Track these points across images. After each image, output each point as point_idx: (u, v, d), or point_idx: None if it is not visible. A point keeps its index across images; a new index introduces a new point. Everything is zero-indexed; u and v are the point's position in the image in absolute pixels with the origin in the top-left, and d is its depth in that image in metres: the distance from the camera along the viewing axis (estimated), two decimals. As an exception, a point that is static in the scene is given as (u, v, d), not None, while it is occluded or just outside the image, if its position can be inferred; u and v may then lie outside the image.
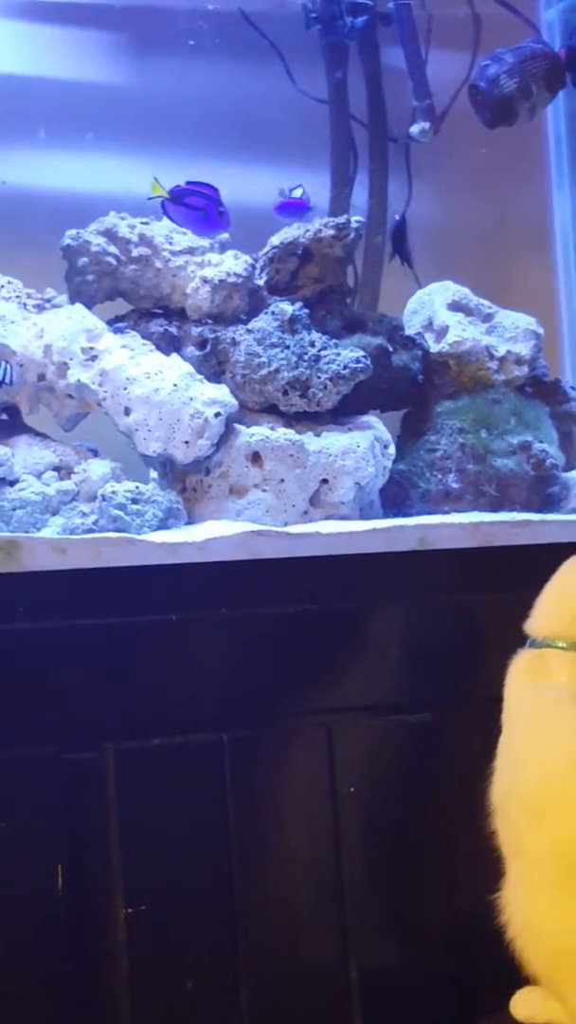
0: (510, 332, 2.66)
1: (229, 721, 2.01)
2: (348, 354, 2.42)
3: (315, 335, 2.45)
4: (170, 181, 2.56)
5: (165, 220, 2.56)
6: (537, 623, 1.85)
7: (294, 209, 2.48)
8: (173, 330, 2.48)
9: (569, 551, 2.23)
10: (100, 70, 2.93)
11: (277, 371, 2.39)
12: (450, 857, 1.98)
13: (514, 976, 1.77)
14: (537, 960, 1.72)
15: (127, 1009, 1.92)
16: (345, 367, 2.40)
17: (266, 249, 2.57)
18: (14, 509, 2.21)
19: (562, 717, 1.76)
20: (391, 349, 2.55)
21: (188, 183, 2.48)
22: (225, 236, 2.58)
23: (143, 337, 2.42)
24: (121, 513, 2.18)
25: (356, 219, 2.59)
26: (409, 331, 2.65)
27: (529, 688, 1.81)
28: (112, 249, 2.48)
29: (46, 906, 1.91)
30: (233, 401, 2.35)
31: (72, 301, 2.47)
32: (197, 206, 2.47)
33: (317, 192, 2.92)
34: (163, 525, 2.22)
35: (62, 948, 1.91)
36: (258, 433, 2.35)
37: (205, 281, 2.49)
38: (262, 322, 2.46)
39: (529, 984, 1.78)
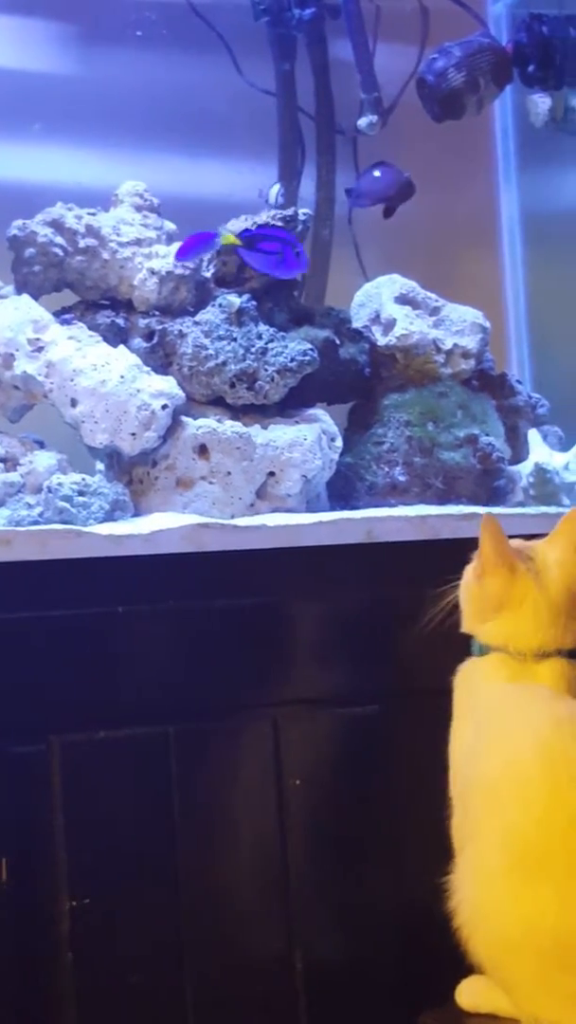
0: (457, 326, 2.67)
1: (175, 714, 2.01)
2: (295, 347, 2.42)
3: (262, 328, 2.44)
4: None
5: (113, 211, 2.55)
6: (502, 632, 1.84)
7: (199, 245, 2.44)
8: (120, 322, 2.48)
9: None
10: (48, 60, 2.91)
11: (224, 363, 2.39)
12: (396, 848, 1.99)
13: (460, 967, 1.77)
14: (483, 949, 1.72)
15: (72, 1002, 1.91)
16: (292, 360, 2.40)
17: (214, 241, 2.56)
18: (-41, 501, 2.20)
19: (533, 712, 1.76)
20: (338, 342, 2.55)
21: (258, 227, 2.47)
22: (172, 227, 2.57)
23: (90, 328, 2.42)
24: (67, 505, 2.17)
25: (304, 212, 2.59)
26: (356, 324, 2.65)
27: (498, 687, 1.81)
28: (59, 240, 2.47)
29: (-9, 899, 1.91)
30: (180, 393, 2.35)
31: (18, 292, 2.46)
32: (272, 250, 2.45)
33: (265, 184, 2.92)
34: (109, 517, 2.22)
35: (6, 940, 1.91)
36: (205, 425, 2.35)
37: (152, 273, 2.49)
38: (209, 314, 2.46)
39: (475, 974, 1.78)
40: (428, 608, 1.87)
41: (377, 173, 2.74)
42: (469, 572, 1.87)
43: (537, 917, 1.65)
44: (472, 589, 1.86)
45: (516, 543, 1.86)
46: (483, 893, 1.70)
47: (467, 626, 1.86)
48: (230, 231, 2.43)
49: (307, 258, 2.50)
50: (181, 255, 2.45)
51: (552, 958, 1.65)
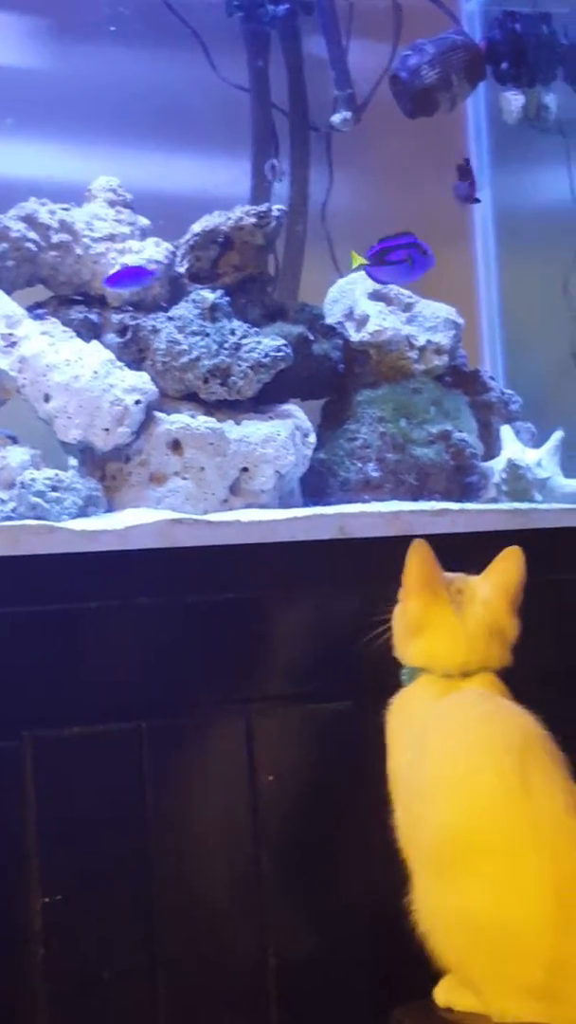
0: (430, 322, 2.67)
1: (148, 710, 2.01)
2: (269, 342, 2.42)
3: (236, 323, 2.44)
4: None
5: (86, 206, 2.54)
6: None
7: (131, 279, 2.45)
8: (93, 317, 2.47)
9: (487, 540, 2.24)
10: (21, 55, 2.91)
11: (198, 359, 2.39)
12: (370, 845, 1.98)
13: (432, 962, 1.78)
14: (441, 949, 1.74)
15: (43, 999, 1.91)
16: (266, 355, 2.40)
17: (187, 236, 2.56)
18: None
19: (463, 713, 1.82)
20: (312, 338, 2.56)
21: (381, 241, 2.48)
22: (146, 222, 2.57)
23: (63, 324, 2.41)
24: (40, 500, 2.17)
25: (277, 207, 2.59)
26: (330, 320, 2.65)
27: (430, 704, 1.84)
28: (32, 235, 2.46)
29: (-37, 895, 1.90)
30: (153, 389, 2.35)
31: (-9, 287, 2.46)
32: (400, 258, 2.46)
33: (239, 180, 2.92)
34: (82, 513, 2.22)
35: (-22, 938, 1.90)
36: (178, 421, 2.35)
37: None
38: (183, 310, 2.45)
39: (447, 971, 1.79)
40: (374, 626, 1.91)
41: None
42: (400, 595, 1.91)
43: (478, 909, 1.67)
44: (398, 611, 1.91)
45: (454, 576, 1.90)
46: (431, 894, 1.72)
47: (396, 649, 1.90)
48: (355, 253, 2.48)
49: (432, 255, 2.53)
50: (111, 282, 2.44)
51: (499, 949, 1.66)
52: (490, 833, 1.70)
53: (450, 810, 1.73)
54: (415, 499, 2.48)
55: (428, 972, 1.79)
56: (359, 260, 2.47)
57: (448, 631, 1.85)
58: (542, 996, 1.65)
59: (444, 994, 1.78)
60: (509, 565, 1.89)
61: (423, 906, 1.74)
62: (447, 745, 1.79)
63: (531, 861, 1.68)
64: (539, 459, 2.60)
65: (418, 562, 1.86)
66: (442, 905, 1.71)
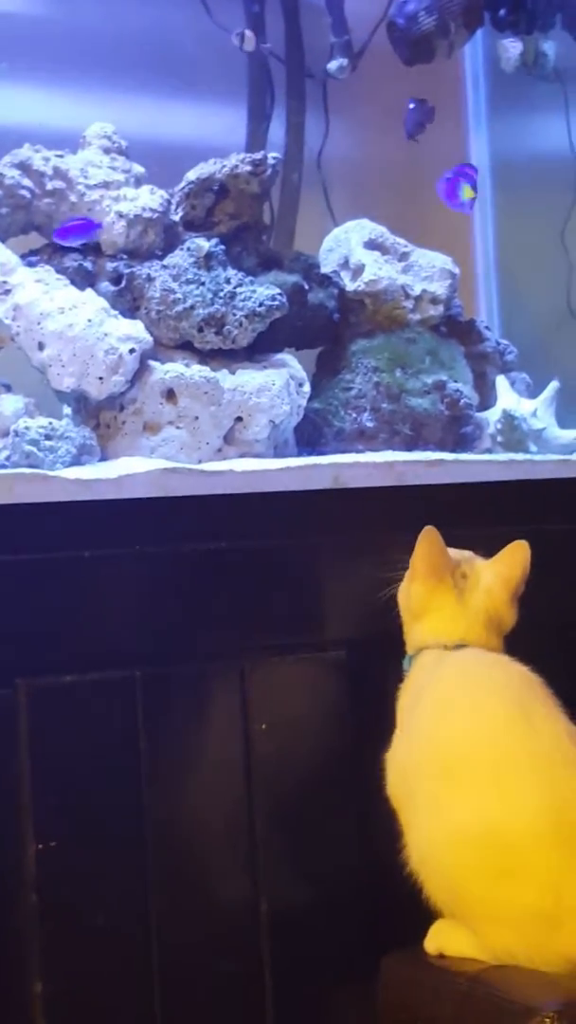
0: (426, 271, 2.66)
1: (142, 658, 2.01)
2: (264, 291, 2.41)
3: (231, 272, 2.43)
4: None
5: (80, 153, 2.53)
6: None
7: (79, 232, 2.44)
8: (88, 265, 2.46)
9: (482, 491, 2.25)
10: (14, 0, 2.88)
11: (192, 308, 2.38)
12: (361, 793, 1.99)
13: (423, 909, 1.79)
14: (433, 879, 1.76)
15: (37, 944, 1.92)
16: (261, 304, 2.39)
17: (182, 184, 2.55)
18: None
19: (457, 662, 1.90)
20: (307, 287, 2.55)
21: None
22: (140, 169, 2.56)
23: (57, 272, 2.40)
24: (34, 449, 2.17)
25: (273, 155, 2.57)
26: (325, 269, 2.65)
27: (433, 667, 1.91)
28: (26, 182, 2.45)
29: (-44, 842, 1.91)
30: (148, 337, 2.34)
31: (-15, 234, 2.45)
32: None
33: (235, 129, 2.90)
34: (76, 461, 2.21)
35: (-28, 884, 1.91)
36: (173, 370, 2.35)
37: (120, 216, 2.47)
38: (178, 258, 2.44)
39: (437, 919, 1.81)
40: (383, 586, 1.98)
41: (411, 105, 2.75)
42: (405, 577, 1.98)
43: (478, 825, 1.70)
44: (403, 592, 1.98)
45: (463, 555, 1.97)
46: (429, 819, 1.74)
47: (405, 629, 1.98)
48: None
49: None
50: (59, 235, 2.43)
51: (497, 868, 1.68)
52: (490, 752, 1.75)
53: (451, 731, 1.79)
54: (410, 449, 2.48)
55: (418, 920, 1.81)
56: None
57: (449, 614, 1.92)
58: (541, 922, 1.67)
59: (434, 940, 1.80)
60: (515, 558, 1.96)
61: (419, 838, 1.76)
62: (449, 685, 1.86)
63: (530, 781, 1.72)
64: (534, 409, 2.60)
65: (426, 549, 1.92)
66: (440, 828, 1.73)
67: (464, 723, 1.79)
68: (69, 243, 2.44)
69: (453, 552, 1.95)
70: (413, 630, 1.96)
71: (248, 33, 2.81)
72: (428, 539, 1.92)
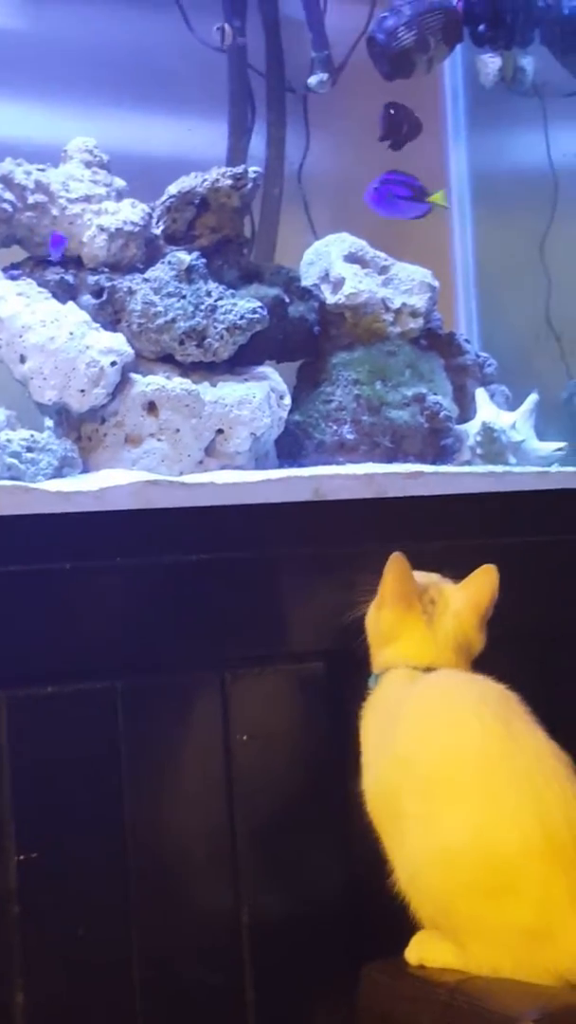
0: (405, 285, 2.67)
1: (123, 669, 2.01)
2: (245, 304, 2.42)
3: (212, 285, 2.44)
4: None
5: (62, 167, 2.54)
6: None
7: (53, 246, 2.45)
8: (69, 278, 2.47)
9: (461, 502, 2.26)
10: (-3, 14, 2.89)
11: (174, 320, 2.39)
12: (342, 804, 2.00)
13: (404, 919, 1.80)
14: (421, 894, 1.77)
15: (19, 955, 1.92)
16: (242, 317, 2.40)
17: (163, 198, 2.55)
18: None
19: (431, 680, 1.90)
20: (287, 300, 2.56)
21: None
22: (122, 183, 2.57)
23: (39, 285, 2.41)
24: (15, 461, 2.17)
25: (254, 169, 2.58)
26: (305, 282, 2.65)
27: (404, 688, 1.91)
28: (8, 195, 2.45)
29: None
30: (129, 350, 2.35)
31: (-33, 247, 2.45)
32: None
33: (216, 143, 2.91)
34: (58, 474, 2.22)
35: (-46, 895, 1.91)
36: (154, 382, 2.35)
37: (102, 229, 2.48)
38: (159, 271, 2.45)
39: (420, 930, 1.81)
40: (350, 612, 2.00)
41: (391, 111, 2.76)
42: (373, 601, 1.98)
43: (466, 843, 1.70)
44: (372, 618, 1.98)
45: (430, 579, 1.97)
46: (416, 840, 1.74)
47: (371, 650, 1.99)
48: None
49: None
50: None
51: (487, 886, 1.68)
52: (476, 768, 1.75)
53: (435, 750, 1.78)
54: (390, 461, 2.49)
55: (400, 931, 1.81)
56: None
57: (418, 640, 1.93)
58: (531, 937, 1.67)
59: (416, 951, 1.81)
60: (484, 582, 1.96)
61: (407, 858, 1.77)
62: (428, 704, 1.85)
63: (517, 796, 1.72)
64: (514, 422, 2.61)
65: (395, 575, 1.92)
66: (429, 846, 1.73)
67: (447, 741, 1.78)
68: (54, 256, 2.44)
69: (420, 576, 1.95)
70: (381, 653, 1.96)
71: (227, 27, 2.83)
72: (396, 566, 1.92)
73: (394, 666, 1.93)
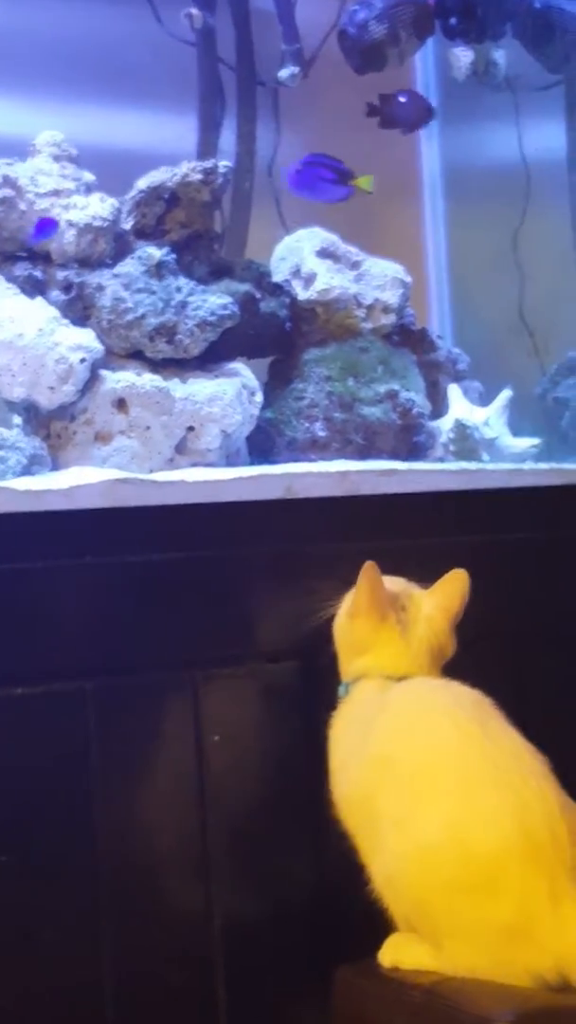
0: (378, 280, 2.66)
1: (93, 669, 2.00)
2: (215, 300, 2.41)
3: (182, 281, 2.43)
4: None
5: (30, 161, 2.51)
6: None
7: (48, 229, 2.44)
8: (38, 274, 2.45)
9: (434, 500, 2.25)
10: (-38, 6, 2.87)
11: (143, 317, 2.37)
12: (316, 805, 1.99)
13: (378, 922, 1.79)
14: (403, 912, 1.76)
15: (-12, 959, 1.91)
16: (212, 313, 2.39)
17: (133, 193, 2.54)
18: None
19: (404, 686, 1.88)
20: (258, 296, 2.54)
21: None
22: (91, 178, 2.55)
23: (7, 280, 2.39)
24: (-16, 459, 2.16)
25: (224, 164, 2.57)
26: (277, 278, 2.64)
27: (378, 696, 1.89)
28: (-25, 190, 2.43)
29: None
30: (99, 346, 2.33)
31: None
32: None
33: (184, 136, 2.90)
34: (27, 472, 2.20)
35: None
36: (124, 379, 2.34)
37: (71, 224, 2.46)
38: (129, 267, 2.44)
39: (393, 932, 1.80)
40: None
41: (403, 99, 2.76)
42: (342, 610, 1.96)
43: (444, 843, 1.69)
44: (344, 628, 1.95)
45: (398, 585, 1.95)
46: (393, 843, 1.73)
47: (340, 659, 1.96)
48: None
49: None
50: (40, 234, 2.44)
51: (466, 885, 1.67)
52: (452, 769, 1.75)
53: (414, 751, 1.77)
54: (362, 458, 2.48)
55: (374, 932, 1.80)
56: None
57: (393, 649, 1.91)
58: (510, 936, 1.66)
59: (390, 953, 1.80)
60: (454, 587, 1.94)
61: (385, 860, 1.75)
62: (402, 710, 1.84)
63: (497, 794, 1.71)
64: (487, 418, 2.60)
65: (368, 585, 1.90)
66: (409, 845, 1.72)
67: (425, 741, 1.77)
68: (38, 242, 2.42)
69: (388, 582, 1.93)
70: (353, 662, 1.94)
71: (195, 11, 2.81)
72: (369, 576, 1.90)
73: (367, 676, 1.91)
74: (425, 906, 1.72)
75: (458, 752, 1.75)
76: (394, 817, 1.75)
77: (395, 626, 1.91)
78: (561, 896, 1.66)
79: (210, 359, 2.45)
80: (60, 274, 2.45)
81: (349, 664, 1.94)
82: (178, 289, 2.41)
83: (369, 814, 1.79)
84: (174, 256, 2.45)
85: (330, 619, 1.97)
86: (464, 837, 1.68)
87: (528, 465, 2.55)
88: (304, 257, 2.65)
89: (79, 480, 2.11)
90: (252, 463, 2.45)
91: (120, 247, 2.51)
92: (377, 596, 1.90)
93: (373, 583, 1.90)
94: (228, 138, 2.95)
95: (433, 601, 1.93)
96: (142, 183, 2.53)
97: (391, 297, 2.65)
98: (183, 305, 2.39)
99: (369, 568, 1.89)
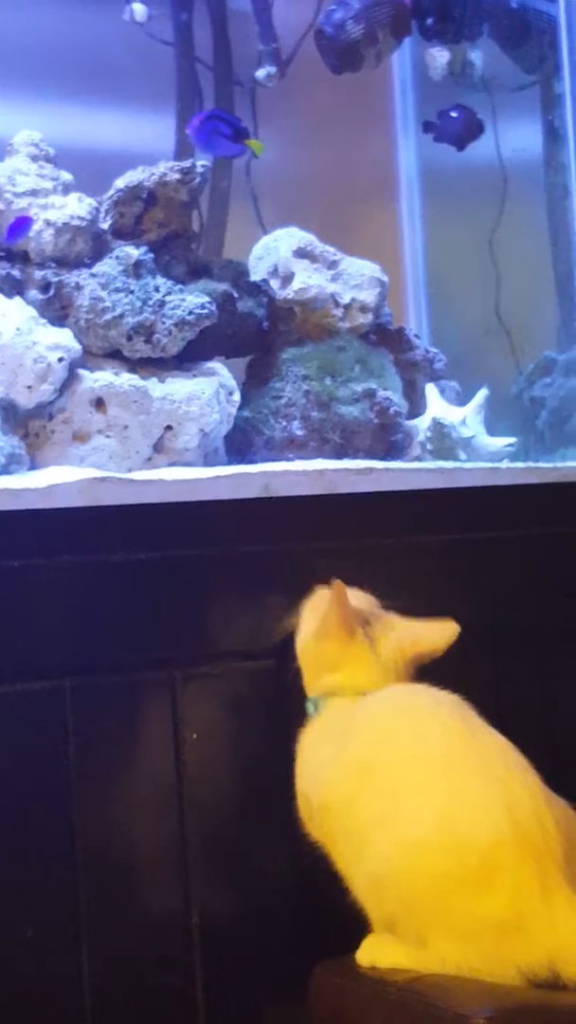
0: (355, 280, 2.67)
1: (71, 668, 2.00)
2: (193, 300, 2.41)
3: (160, 280, 2.43)
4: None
5: (7, 160, 2.51)
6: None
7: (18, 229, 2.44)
8: (16, 273, 2.44)
9: (411, 498, 2.25)
10: None
11: (121, 316, 2.38)
12: (294, 803, 1.99)
13: (356, 920, 1.79)
14: (388, 912, 1.75)
15: (-33, 958, 1.91)
16: (190, 313, 2.39)
17: (111, 192, 2.54)
18: None
19: (394, 696, 1.88)
20: (236, 295, 2.54)
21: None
22: (69, 177, 2.54)
23: (-15, 280, 2.39)
24: (-38, 459, 2.16)
25: (201, 163, 2.57)
26: (254, 277, 2.64)
27: (350, 709, 1.89)
28: (-47, 190, 2.43)
29: None
30: (77, 346, 2.33)
31: None
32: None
33: (162, 135, 2.90)
34: (4, 471, 2.20)
35: None
36: (102, 379, 2.34)
37: (48, 224, 2.45)
38: (107, 266, 2.44)
39: (370, 932, 1.80)
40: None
41: (454, 113, 2.78)
42: (307, 629, 1.96)
43: (430, 833, 1.69)
44: (310, 647, 1.95)
45: (360, 600, 1.95)
46: (374, 842, 1.73)
47: (305, 674, 1.96)
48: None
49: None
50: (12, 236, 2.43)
51: (456, 879, 1.67)
52: (439, 764, 1.74)
53: (399, 750, 1.77)
54: (340, 457, 2.48)
55: (352, 931, 1.80)
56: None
57: (365, 667, 1.91)
58: (501, 931, 1.66)
59: (368, 952, 1.79)
60: (443, 636, 1.93)
61: (369, 863, 1.75)
62: (382, 715, 1.84)
63: (484, 789, 1.70)
64: (463, 417, 2.61)
65: (336, 604, 1.90)
66: (398, 844, 1.71)
67: (409, 741, 1.77)
68: (13, 242, 2.42)
69: (352, 597, 1.92)
70: (322, 679, 1.94)
71: (137, 5, 2.81)
72: (338, 594, 1.89)
73: (339, 693, 1.91)
74: (414, 903, 1.71)
75: (444, 746, 1.75)
76: (379, 818, 1.74)
77: (364, 641, 1.90)
78: (552, 889, 1.66)
79: (188, 358, 2.45)
80: (38, 273, 2.45)
81: (316, 679, 1.94)
82: (156, 288, 2.41)
83: (347, 823, 1.79)
84: (152, 255, 2.45)
85: (290, 634, 1.97)
86: (455, 830, 1.68)
87: (505, 464, 2.56)
88: (282, 256, 2.66)
89: (57, 479, 2.11)
90: (230, 462, 2.45)
91: (98, 247, 2.51)
92: (347, 615, 1.90)
93: (342, 603, 1.89)
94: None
95: (414, 635, 1.92)
96: (120, 183, 2.53)
97: (368, 296, 2.65)
98: (161, 304, 2.39)
99: (338, 588, 1.89)
